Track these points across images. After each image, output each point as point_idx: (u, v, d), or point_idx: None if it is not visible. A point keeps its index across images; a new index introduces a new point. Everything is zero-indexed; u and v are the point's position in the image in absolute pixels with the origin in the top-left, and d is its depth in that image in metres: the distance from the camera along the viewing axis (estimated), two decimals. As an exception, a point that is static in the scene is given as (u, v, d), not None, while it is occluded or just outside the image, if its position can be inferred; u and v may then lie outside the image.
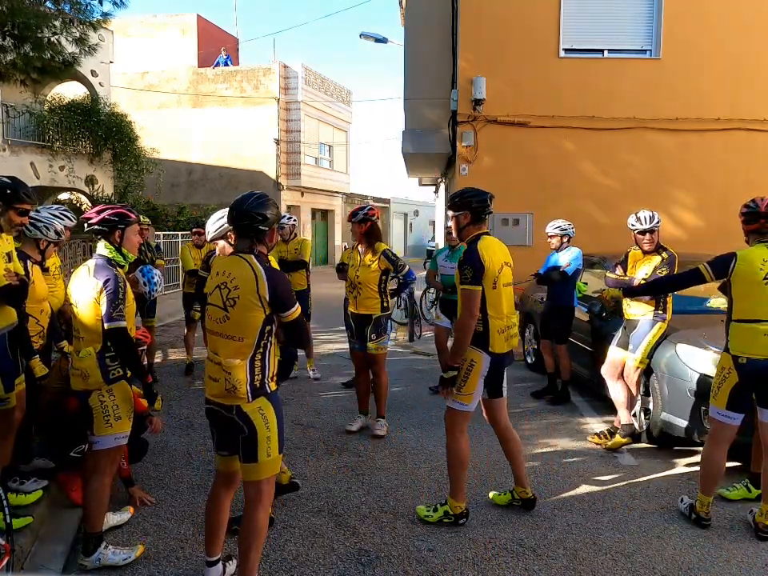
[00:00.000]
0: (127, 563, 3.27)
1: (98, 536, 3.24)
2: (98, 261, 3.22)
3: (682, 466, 4.72)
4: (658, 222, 4.94)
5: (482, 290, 3.61)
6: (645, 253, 5.03)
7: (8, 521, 2.81)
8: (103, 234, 3.29)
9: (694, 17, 10.08)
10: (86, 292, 3.15)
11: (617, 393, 5.15)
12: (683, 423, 4.73)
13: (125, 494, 4.00)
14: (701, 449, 4.94)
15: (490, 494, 4.15)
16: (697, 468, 4.65)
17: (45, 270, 4.19)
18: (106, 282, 3.12)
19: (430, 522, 3.76)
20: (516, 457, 3.98)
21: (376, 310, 5.32)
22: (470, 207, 3.77)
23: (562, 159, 10.32)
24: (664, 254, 4.93)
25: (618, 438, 5.08)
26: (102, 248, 3.29)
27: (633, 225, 5.00)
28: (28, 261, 3.85)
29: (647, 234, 4.93)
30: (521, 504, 3.99)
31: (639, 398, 5.23)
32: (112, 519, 3.56)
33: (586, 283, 6.49)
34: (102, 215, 3.28)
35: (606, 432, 5.26)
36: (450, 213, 3.91)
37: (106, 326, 3.11)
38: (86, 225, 3.31)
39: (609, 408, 6.05)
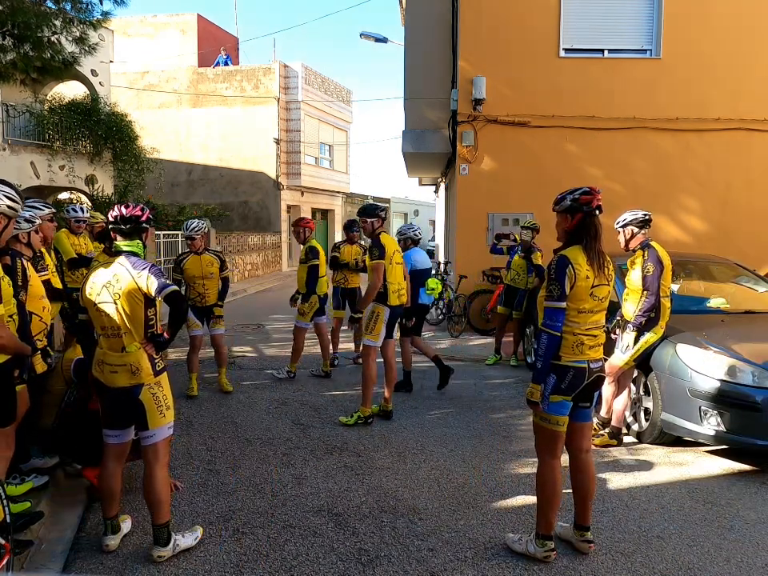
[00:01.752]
0: (198, 541, 3.49)
1: (169, 524, 3.37)
2: (128, 256, 3.30)
3: (681, 466, 4.72)
4: (617, 223, 5.12)
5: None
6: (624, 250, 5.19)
7: (8, 520, 2.81)
8: (141, 231, 3.38)
9: (694, 17, 10.07)
10: (128, 285, 3.20)
11: (607, 392, 5.24)
12: (683, 423, 4.74)
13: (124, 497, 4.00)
14: (701, 449, 4.96)
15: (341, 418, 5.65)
16: (697, 468, 4.67)
17: (39, 258, 4.25)
18: (151, 268, 3.25)
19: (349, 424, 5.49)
20: (389, 372, 5.86)
21: None
22: (379, 215, 5.72)
23: (562, 159, 10.31)
24: (646, 253, 4.97)
25: (605, 438, 5.14)
26: (122, 246, 3.35)
27: None
28: (22, 259, 3.84)
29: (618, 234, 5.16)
30: (383, 415, 5.79)
31: (629, 398, 5.22)
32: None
33: (441, 278, 6.79)
34: (146, 213, 3.39)
35: (595, 424, 5.34)
36: (368, 219, 5.69)
37: (163, 293, 3.20)
38: (124, 222, 3.33)
39: (609, 408, 6.06)
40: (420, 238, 6.96)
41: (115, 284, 3.22)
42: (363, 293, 6.10)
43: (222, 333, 6.80)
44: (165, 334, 3.34)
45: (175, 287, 3.26)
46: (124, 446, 3.48)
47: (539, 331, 3.27)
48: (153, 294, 3.21)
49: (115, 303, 3.22)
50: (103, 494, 3.47)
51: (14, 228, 4.00)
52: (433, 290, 6.76)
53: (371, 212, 5.74)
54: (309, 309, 7.22)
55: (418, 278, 6.69)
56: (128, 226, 3.35)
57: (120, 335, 3.24)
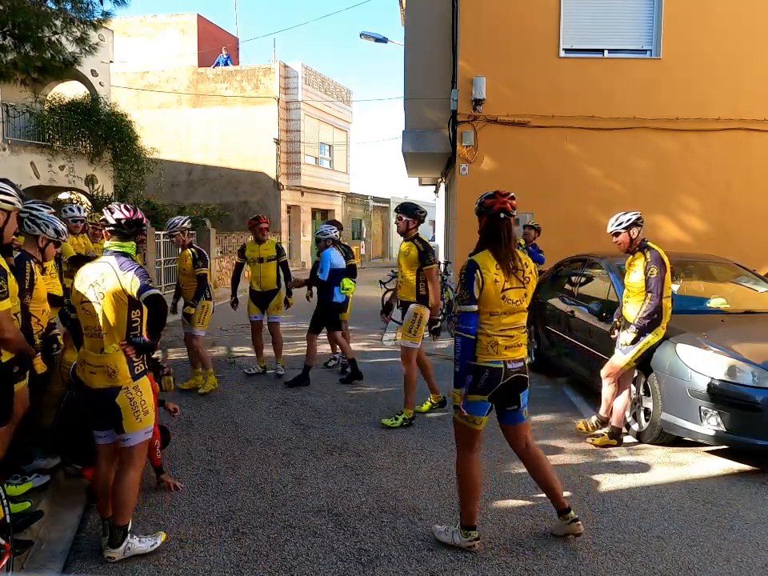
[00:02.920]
0: (155, 548, 3.38)
1: (126, 527, 3.32)
2: (118, 256, 3.28)
3: (681, 466, 4.72)
4: (620, 225, 5.05)
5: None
6: (626, 252, 5.17)
7: (8, 520, 2.81)
8: (135, 235, 3.41)
9: (694, 17, 10.07)
10: (113, 285, 3.19)
11: (608, 392, 5.25)
12: (683, 423, 4.73)
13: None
14: (701, 449, 4.96)
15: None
16: (697, 468, 4.67)
17: (42, 271, 4.20)
18: (137, 270, 3.23)
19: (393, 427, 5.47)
20: (426, 370, 5.96)
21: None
22: (417, 216, 5.60)
23: (562, 159, 10.31)
24: (648, 254, 4.95)
25: (605, 438, 5.15)
26: (113, 246, 3.34)
27: None
28: (31, 261, 3.83)
29: (613, 237, 5.13)
30: (439, 405, 5.97)
31: (629, 398, 5.22)
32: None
33: (355, 281, 7.25)
34: (139, 214, 3.41)
35: (594, 423, 5.38)
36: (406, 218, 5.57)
37: (144, 295, 3.17)
38: (127, 226, 3.35)
39: (609, 408, 6.05)
40: (339, 239, 7.41)
41: (101, 283, 3.21)
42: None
43: (195, 334, 6.68)
44: (145, 337, 3.32)
45: (156, 291, 3.24)
46: (114, 445, 3.44)
47: (455, 335, 3.32)
48: (135, 296, 3.19)
49: (99, 303, 3.21)
50: (98, 495, 3.46)
51: (39, 230, 3.98)
52: (347, 289, 7.05)
53: (410, 211, 5.65)
54: (281, 303, 7.53)
55: (334, 277, 6.96)
56: (132, 230, 3.38)
57: (101, 335, 3.22)
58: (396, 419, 5.59)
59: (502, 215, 3.38)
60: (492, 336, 3.29)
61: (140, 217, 3.40)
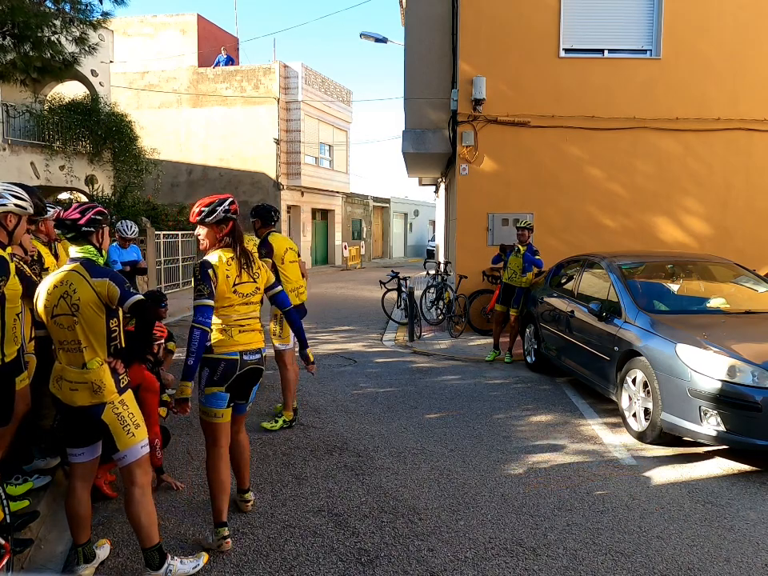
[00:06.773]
0: (197, 570, 3.21)
1: (160, 546, 3.11)
2: (85, 263, 3.03)
3: (681, 466, 4.72)
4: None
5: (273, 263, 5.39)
6: None
7: (8, 520, 2.81)
8: (85, 235, 3.06)
9: (694, 17, 10.07)
10: (87, 296, 2.95)
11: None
12: (683, 423, 4.74)
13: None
14: (701, 449, 4.96)
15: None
16: (697, 468, 4.67)
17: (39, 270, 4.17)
18: (111, 275, 3.02)
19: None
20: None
21: None
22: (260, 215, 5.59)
23: (562, 159, 10.31)
24: None
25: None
26: (75, 252, 3.07)
27: None
28: (24, 264, 3.77)
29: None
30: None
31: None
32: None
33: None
34: (87, 215, 3.05)
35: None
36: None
37: (127, 303, 2.98)
38: (62, 227, 3.06)
39: (609, 410, 6.05)
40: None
41: (72, 294, 2.95)
42: None
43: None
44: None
45: (140, 296, 3.01)
46: (91, 464, 3.20)
47: (191, 327, 3.35)
48: (114, 305, 2.99)
49: (73, 315, 2.95)
50: (71, 520, 3.16)
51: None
52: None
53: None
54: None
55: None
56: (64, 231, 3.04)
57: (81, 349, 2.97)
58: (276, 422, 5.53)
59: (234, 216, 3.56)
60: (227, 328, 3.45)
61: (74, 217, 3.02)
